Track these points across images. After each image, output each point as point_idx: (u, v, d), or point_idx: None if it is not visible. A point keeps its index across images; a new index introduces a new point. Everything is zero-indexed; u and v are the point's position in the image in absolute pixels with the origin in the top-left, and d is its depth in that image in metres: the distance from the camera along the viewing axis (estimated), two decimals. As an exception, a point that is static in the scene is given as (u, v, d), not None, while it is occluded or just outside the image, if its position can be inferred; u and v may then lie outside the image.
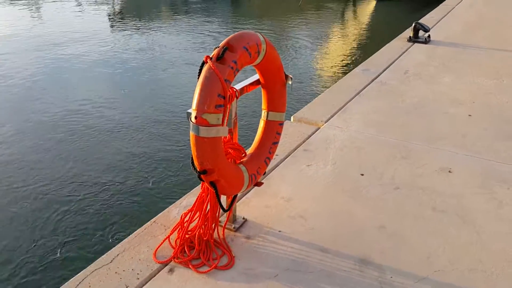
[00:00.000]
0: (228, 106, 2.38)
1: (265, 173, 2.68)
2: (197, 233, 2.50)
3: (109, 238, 4.06)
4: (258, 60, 2.34)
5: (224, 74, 2.06)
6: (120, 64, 8.72)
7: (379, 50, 6.58)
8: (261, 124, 2.69)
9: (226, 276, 2.37)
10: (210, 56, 2.10)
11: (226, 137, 2.48)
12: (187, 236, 2.53)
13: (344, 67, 9.08)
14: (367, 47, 10.52)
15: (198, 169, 2.15)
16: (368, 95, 4.99)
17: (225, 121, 2.14)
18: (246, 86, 2.55)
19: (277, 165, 3.49)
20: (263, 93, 2.64)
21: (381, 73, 5.65)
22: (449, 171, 3.45)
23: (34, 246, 3.93)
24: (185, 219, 2.57)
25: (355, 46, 11.03)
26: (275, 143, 2.67)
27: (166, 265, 2.44)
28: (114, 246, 2.58)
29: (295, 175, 3.36)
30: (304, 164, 3.52)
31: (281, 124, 2.69)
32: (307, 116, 4.40)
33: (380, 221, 2.86)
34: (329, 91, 5.19)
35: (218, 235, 2.61)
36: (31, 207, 4.46)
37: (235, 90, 2.40)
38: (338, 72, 8.80)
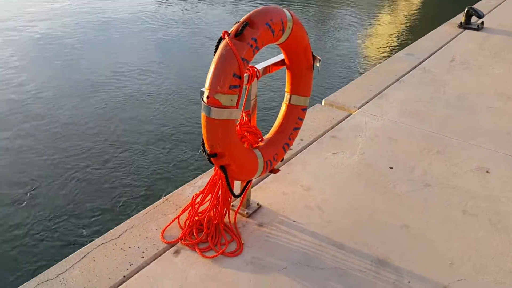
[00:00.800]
0: (247, 86, 2.25)
1: (283, 159, 2.54)
2: (206, 216, 2.41)
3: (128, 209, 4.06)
4: (282, 39, 2.17)
5: (242, 52, 1.91)
6: (163, 35, 8.69)
7: (426, 35, 6.20)
8: (283, 107, 2.53)
9: (232, 264, 2.28)
10: (229, 32, 1.95)
11: (243, 119, 2.35)
12: (196, 218, 2.44)
13: (388, 51, 8.67)
14: (415, 30, 9.99)
15: (208, 152, 2.03)
16: (409, 82, 4.70)
17: (239, 102, 2.00)
18: (269, 66, 2.38)
19: (300, 151, 3.33)
20: (287, 74, 2.47)
21: (425, 60, 5.31)
22: (487, 171, 3.19)
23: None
24: (197, 201, 2.48)
25: (403, 29, 10.50)
26: (296, 129, 2.51)
27: (172, 246, 2.37)
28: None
29: (318, 162, 3.20)
30: (330, 152, 3.34)
31: (304, 109, 2.53)
32: (340, 101, 4.19)
33: (404, 219, 2.67)
34: (367, 75, 4.92)
35: (229, 219, 2.51)
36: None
37: (255, 69, 2.25)
38: (380, 56, 8.41)
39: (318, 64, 2.47)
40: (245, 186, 2.39)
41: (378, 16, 11.63)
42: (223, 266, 2.26)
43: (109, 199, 4.13)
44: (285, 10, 2.13)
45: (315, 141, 3.50)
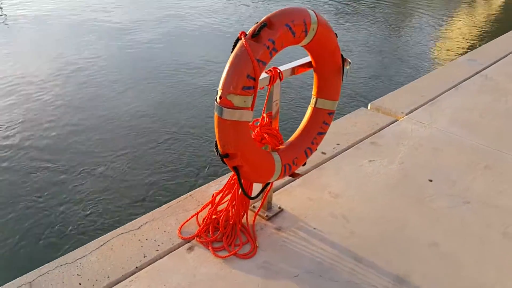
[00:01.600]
0: (269, 87, 2.21)
1: (305, 164, 2.46)
2: (223, 215, 2.40)
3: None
4: (305, 41, 2.10)
5: (257, 53, 1.87)
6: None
7: (494, 40, 5.77)
8: (308, 110, 2.45)
9: (244, 266, 2.25)
10: (246, 33, 1.92)
11: (264, 120, 2.31)
12: (214, 216, 2.45)
13: (455, 55, 8.18)
14: (489, 35, 9.35)
15: (220, 152, 2.02)
16: (466, 89, 4.40)
17: (254, 104, 1.97)
18: (295, 67, 2.32)
19: (335, 156, 3.23)
20: (314, 77, 2.39)
21: (488, 66, 4.94)
22: (539, 193, 2.91)
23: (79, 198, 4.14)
24: (217, 199, 2.48)
25: (476, 33, 9.86)
26: (321, 134, 2.43)
27: (188, 242, 2.39)
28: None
29: (352, 169, 3.08)
30: (366, 159, 3.21)
31: (331, 113, 2.43)
32: (387, 105, 4.01)
33: (434, 237, 2.50)
34: (422, 79, 4.68)
35: (247, 220, 2.49)
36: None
37: (278, 71, 2.20)
38: (445, 60, 7.95)
39: (347, 67, 2.37)
40: (262, 189, 2.35)
41: (453, 18, 11.01)
42: (233, 267, 2.24)
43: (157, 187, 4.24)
44: (310, 11, 2.06)
45: (352, 146, 3.38)
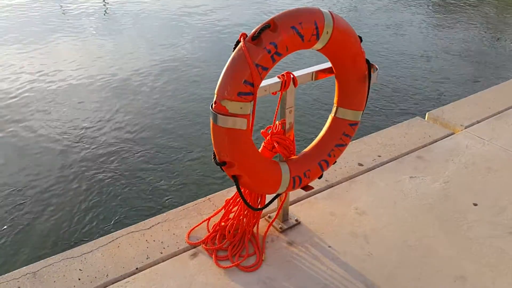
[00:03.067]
0: (280, 93, 2.08)
1: (321, 176, 2.29)
2: (231, 223, 2.32)
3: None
4: (318, 45, 1.93)
5: (256, 57, 1.76)
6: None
7: None
8: (329, 120, 2.28)
9: (244, 279, 2.15)
10: (247, 35, 1.81)
11: (276, 128, 2.18)
12: (223, 223, 2.37)
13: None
14: None
15: (217, 161, 1.93)
16: (544, 103, 3.88)
17: (255, 111, 1.85)
18: (314, 72, 2.17)
19: (372, 169, 2.99)
20: (336, 84, 2.21)
21: None
22: None
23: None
24: (229, 205, 2.40)
25: None
26: (340, 146, 2.24)
27: (194, 247, 2.33)
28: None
29: (387, 185, 2.83)
30: (407, 175, 2.94)
31: (353, 124, 2.24)
32: (446, 116, 3.66)
33: (463, 270, 2.21)
34: (492, 90, 4.21)
35: (257, 230, 2.38)
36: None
37: (291, 76, 2.06)
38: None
39: (373, 74, 2.16)
40: (271, 200, 2.22)
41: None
42: (232, 279, 2.15)
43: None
44: (325, 12, 1.89)
45: (395, 159, 3.11)
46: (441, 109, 3.81)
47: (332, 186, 2.81)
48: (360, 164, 3.03)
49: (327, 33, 1.90)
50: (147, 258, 2.26)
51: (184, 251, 2.32)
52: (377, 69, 2.18)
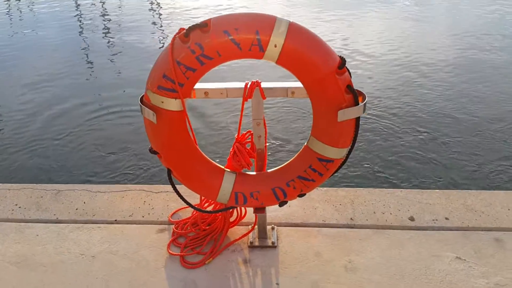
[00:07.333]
0: (242, 101, 1.92)
1: (286, 202, 1.99)
2: (199, 215, 2.30)
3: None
4: (269, 58, 1.66)
5: (178, 55, 1.66)
6: None
7: None
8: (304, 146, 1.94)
9: (173, 271, 2.14)
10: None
11: (243, 136, 2.02)
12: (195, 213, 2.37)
13: None
14: None
15: (150, 148, 1.95)
16: None
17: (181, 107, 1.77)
18: (289, 88, 1.86)
19: (422, 228, 2.37)
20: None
21: None
22: None
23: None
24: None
25: None
26: (304, 179, 1.87)
27: (168, 224, 2.43)
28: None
29: (414, 253, 2.21)
30: (456, 253, 2.22)
31: (323, 160, 1.83)
32: None
33: None
34: None
35: (225, 234, 2.29)
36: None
37: (255, 85, 1.84)
38: None
39: (361, 104, 1.71)
40: (222, 209, 2.10)
41: None
42: (163, 265, 2.17)
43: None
44: (278, 23, 1.60)
45: (462, 229, 2.37)
46: None
47: (352, 227, 2.38)
48: (411, 219, 2.44)
49: (275, 46, 1.61)
50: (129, 216, 2.49)
51: (158, 224, 2.44)
52: (365, 97, 1.72)
